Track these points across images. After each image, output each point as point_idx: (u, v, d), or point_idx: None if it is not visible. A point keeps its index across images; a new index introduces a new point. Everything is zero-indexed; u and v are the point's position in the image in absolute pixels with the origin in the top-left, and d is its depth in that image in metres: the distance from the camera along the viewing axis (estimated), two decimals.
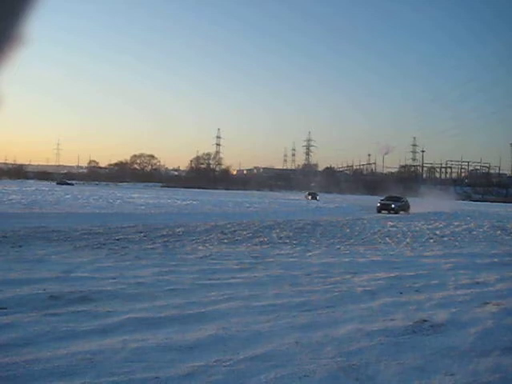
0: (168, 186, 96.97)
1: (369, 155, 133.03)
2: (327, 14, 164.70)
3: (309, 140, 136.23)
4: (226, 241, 15.50)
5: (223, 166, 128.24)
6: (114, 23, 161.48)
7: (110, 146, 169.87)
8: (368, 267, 11.32)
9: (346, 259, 12.49)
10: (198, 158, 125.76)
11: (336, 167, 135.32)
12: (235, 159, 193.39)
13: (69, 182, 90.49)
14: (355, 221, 26.32)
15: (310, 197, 72.40)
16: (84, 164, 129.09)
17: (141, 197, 48.88)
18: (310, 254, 13.38)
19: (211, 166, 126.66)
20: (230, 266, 10.86)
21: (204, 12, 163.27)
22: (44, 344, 5.31)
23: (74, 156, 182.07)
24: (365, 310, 7.31)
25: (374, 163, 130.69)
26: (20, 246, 12.52)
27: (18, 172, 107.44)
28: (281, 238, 16.97)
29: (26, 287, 7.83)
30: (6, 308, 6.63)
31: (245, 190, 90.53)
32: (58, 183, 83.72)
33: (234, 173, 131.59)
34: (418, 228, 23.34)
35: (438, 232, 21.60)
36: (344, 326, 6.33)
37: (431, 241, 18.01)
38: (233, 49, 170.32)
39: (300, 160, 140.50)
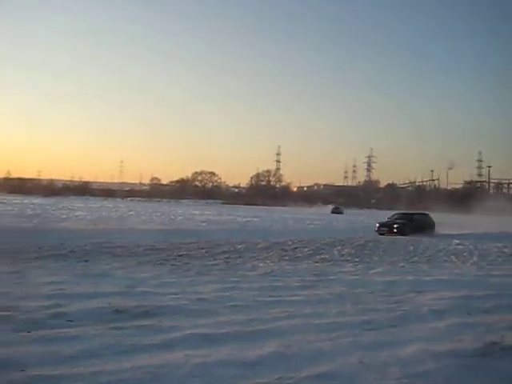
0: (228, 203, 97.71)
1: (431, 171, 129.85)
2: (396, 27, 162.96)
3: (370, 156, 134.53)
4: (286, 258, 15.42)
5: (283, 183, 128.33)
6: (184, 42, 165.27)
7: (171, 164, 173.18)
8: (433, 286, 10.97)
9: (410, 277, 12.17)
10: (258, 175, 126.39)
11: (398, 184, 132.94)
12: (295, 176, 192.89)
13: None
14: (419, 238, 25.69)
15: (334, 211, 76.33)
16: (146, 181, 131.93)
17: (202, 213, 49.48)
18: (373, 271, 13.13)
19: (271, 182, 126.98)
20: (291, 284, 10.78)
21: (274, 31, 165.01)
22: (109, 357, 5.40)
23: (137, 173, 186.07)
24: (431, 331, 7.07)
25: (438, 179, 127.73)
26: (86, 261, 12.88)
27: (83, 189, 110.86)
28: (342, 255, 16.76)
29: (92, 301, 8.01)
30: (72, 321, 6.81)
31: (304, 208, 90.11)
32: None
33: (295, 190, 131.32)
34: (485, 246, 22.51)
35: (506, 250, 20.76)
36: (409, 347, 6.13)
37: (500, 259, 17.32)
38: (291, 65, 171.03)
39: (361, 176, 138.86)
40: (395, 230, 29.12)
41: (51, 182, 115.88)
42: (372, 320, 7.57)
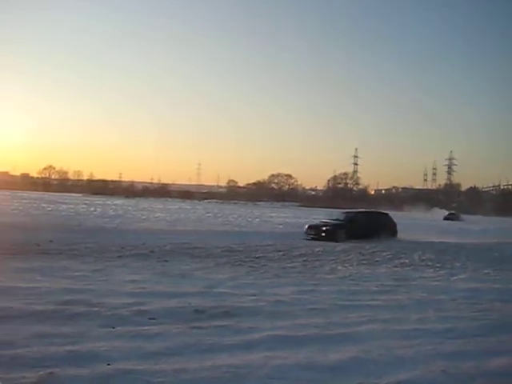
0: (305, 206, 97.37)
1: None
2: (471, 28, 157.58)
3: (450, 159, 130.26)
4: (365, 262, 15.19)
5: (361, 186, 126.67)
6: (259, 44, 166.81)
7: (248, 166, 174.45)
8: None
9: (496, 285, 11.65)
10: (335, 178, 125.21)
11: (481, 187, 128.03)
12: (373, 178, 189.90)
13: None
14: (505, 244, 24.58)
15: (449, 217, 65.75)
16: (223, 183, 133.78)
17: (278, 216, 49.52)
18: (455, 277, 12.69)
19: (348, 185, 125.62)
20: (370, 288, 10.61)
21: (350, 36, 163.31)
22: (190, 355, 5.50)
23: (215, 175, 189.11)
24: None
25: None
26: (166, 261, 13.19)
27: (162, 191, 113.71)
28: (423, 260, 16.30)
29: (172, 300, 8.20)
30: (155, 318, 6.99)
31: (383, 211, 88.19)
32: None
33: (372, 192, 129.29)
34: None
35: None
36: (497, 358, 5.86)
37: None
38: (370, 68, 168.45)
39: (441, 179, 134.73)
40: (323, 234, 22.97)
41: (132, 183, 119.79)
42: (455, 328, 7.32)
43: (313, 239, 22.44)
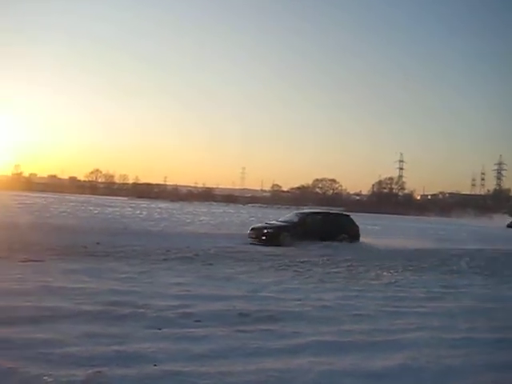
0: (349, 211, 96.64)
1: None
2: None
3: (500, 163, 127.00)
4: (411, 268, 14.91)
5: (406, 191, 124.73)
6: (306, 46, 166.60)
7: (292, 170, 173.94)
8: None
9: None
10: (380, 183, 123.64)
11: None
12: (419, 184, 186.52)
13: None
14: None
15: None
16: (267, 188, 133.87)
17: None
18: (506, 286, 12.34)
19: (394, 190, 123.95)
20: (417, 295, 10.41)
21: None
22: (235, 358, 5.51)
23: (259, 180, 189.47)
24: None
25: None
26: (210, 264, 13.28)
27: (206, 195, 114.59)
28: (471, 267, 15.92)
29: (217, 303, 8.24)
30: (200, 321, 7.03)
31: (430, 217, 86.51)
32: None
33: (418, 198, 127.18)
34: None
35: None
36: None
37: None
38: (416, 72, 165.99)
39: (489, 185, 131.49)
40: (264, 238, 20.70)
41: (176, 187, 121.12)
42: (508, 339, 7.10)
43: (253, 243, 20.21)
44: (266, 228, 21.69)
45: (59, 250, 13.95)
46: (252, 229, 21.96)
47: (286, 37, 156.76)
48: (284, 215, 25.91)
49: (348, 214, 25.70)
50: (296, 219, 22.79)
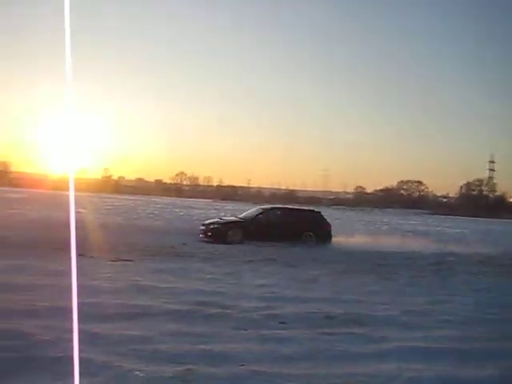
0: (436, 213, 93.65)
1: None
2: None
3: None
4: (504, 274, 14.25)
5: (498, 193, 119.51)
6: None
7: (376, 172, 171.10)
8: None
9: None
10: (468, 184, 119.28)
11: None
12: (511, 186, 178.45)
13: None
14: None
15: None
16: (351, 190, 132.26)
17: (408, 223, 48.10)
18: None
19: (484, 192, 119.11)
20: None
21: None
22: (321, 361, 5.47)
23: (341, 182, 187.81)
24: None
25: None
26: (293, 266, 13.31)
27: (289, 197, 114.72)
28: None
29: (302, 305, 8.22)
30: (285, 323, 7.04)
31: None
32: None
33: (511, 200, 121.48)
34: None
35: None
36: None
37: None
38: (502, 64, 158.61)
39: None
40: (210, 234, 19.18)
41: (259, 189, 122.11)
42: None
43: (203, 240, 18.92)
44: (213, 224, 20.05)
45: (147, 250, 14.42)
46: (203, 224, 20.31)
47: (374, 40, 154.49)
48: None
49: (319, 211, 22.72)
50: (253, 215, 20.78)
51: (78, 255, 10.71)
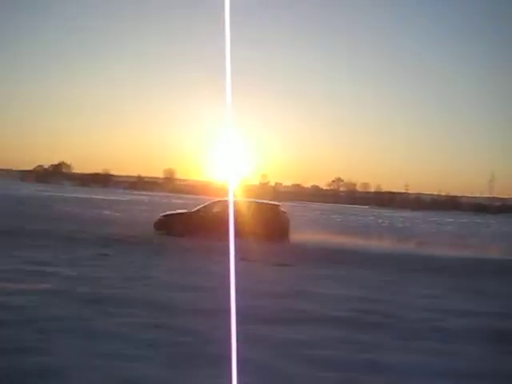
0: None
1: None
2: None
3: None
4: None
5: None
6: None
7: None
8: None
9: None
10: None
11: None
12: None
13: None
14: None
15: None
16: None
17: None
18: None
19: None
20: None
21: None
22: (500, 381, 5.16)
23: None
24: None
25: None
26: (457, 277, 12.76)
27: (451, 203, 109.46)
28: None
29: (467, 319, 7.77)
30: (449, 336, 6.66)
31: None
32: None
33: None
34: None
35: None
36: None
37: None
38: None
39: None
40: (155, 226, 19.08)
41: (418, 196, 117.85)
42: None
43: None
44: (162, 216, 19.75)
45: (311, 255, 14.67)
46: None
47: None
48: None
49: (277, 204, 20.74)
50: (197, 208, 19.81)
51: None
